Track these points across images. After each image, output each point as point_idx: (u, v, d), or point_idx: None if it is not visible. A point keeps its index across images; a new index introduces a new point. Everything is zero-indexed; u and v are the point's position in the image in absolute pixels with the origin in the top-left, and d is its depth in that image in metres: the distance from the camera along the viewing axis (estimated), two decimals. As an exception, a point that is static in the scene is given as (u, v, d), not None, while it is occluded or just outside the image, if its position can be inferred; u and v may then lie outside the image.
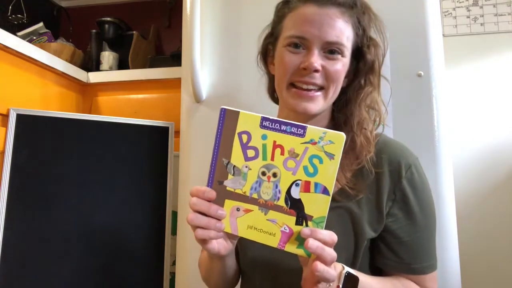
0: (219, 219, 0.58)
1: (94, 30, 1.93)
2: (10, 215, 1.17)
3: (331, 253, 0.54)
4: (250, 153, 0.57)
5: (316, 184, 0.55)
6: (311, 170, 0.55)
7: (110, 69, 1.82)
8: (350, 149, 0.71)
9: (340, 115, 0.74)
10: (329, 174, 0.55)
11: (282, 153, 0.56)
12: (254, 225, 0.58)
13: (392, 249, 0.71)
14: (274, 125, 0.55)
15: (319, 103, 0.69)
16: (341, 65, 0.69)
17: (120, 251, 1.28)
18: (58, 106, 1.51)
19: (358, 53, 0.72)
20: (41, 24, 1.82)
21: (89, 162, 1.29)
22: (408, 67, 1.05)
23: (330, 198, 0.55)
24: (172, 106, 1.33)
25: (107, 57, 1.83)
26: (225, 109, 0.57)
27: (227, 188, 0.58)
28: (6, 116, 1.23)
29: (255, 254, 0.76)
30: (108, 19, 1.87)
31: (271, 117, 0.56)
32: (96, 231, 1.26)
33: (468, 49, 1.63)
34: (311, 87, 0.69)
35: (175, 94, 1.27)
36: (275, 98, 0.84)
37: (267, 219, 0.57)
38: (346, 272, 0.60)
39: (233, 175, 0.58)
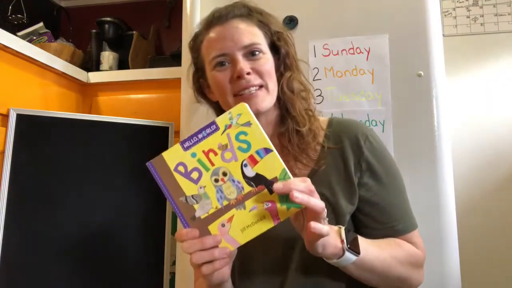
0: (217, 246, 0.59)
1: (94, 30, 1.93)
2: (10, 215, 1.17)
3: (317, 198, 0.58)
4: (194, 175, 0.59)
5: (257, 152, 0.58)
6: (244, 146, 0.59)
7: (110, 69, 1.82)
8: (302, 132, 0.76)
9: (281, 105, 0.79)
10: (259, 137, 0.58)
11: (215, 154, 0.59)
12: (244, 224, 0.59)
13: (372, 217, 0.75)
14: (193, 140, 0.59)
15: (265, 98, 0.74)
16: (266, 60, 0.76)
17: (120, 251, 1.28)
18: (58, 106, 1.51)
19: (274, 48, 0.79)
20: (41, 24, 1.82)
21: (89, 162, 1.29)
22: (408, 67, 1.05)
23: (275, 152, 0.59)
24: (172, 106, 1.33)
25: (107, 57, 1.83)
26: (150, 162, 0.60)
27: (202, 217, 0.60)
28: (6, 116, 1.23)
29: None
30: (108, 19, 1.87)
31: (186, 137, 0.60)
32: (96, 231, 1.26)
33: (468, 49, 1.63)
34: (252, 89, 0.73)
35: (175, 94, 1.27)
36: None
37: (249, 211, 0.59)
38: (345, 228, 0.65)
39: (197, 203, 0.60)
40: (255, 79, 0.73)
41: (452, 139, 1.11)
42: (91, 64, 1.89)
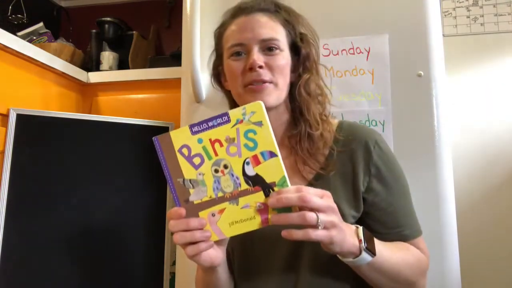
0: (201, 229, 0.60)
1: (94, 30, 1.93)
2: (10, 215, 1.17)
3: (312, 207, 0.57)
4: (196, 160, 0.60)
5: (262, 153, 0.58)
6: (251, 144, 0.58)
7: (110, 69, 1.82)
8: (314, 136, 0.77)
9: (295, 107, 0.79)
10: (267, 139, 0.58)
11: (221, 145, 0.59)
12: (234, 219, 0.60)
13: (380, 221, 0.76)
14: (202, 126, 0.59)
15: (273, 94, 0.74)
16: (282, 57, 0.76)
17: (120, 251, 1.28)
18: (58, 106, 1.51)
19: (295, 49, 0.79)
20: (41, 24, 1.82)
21: (89, 162, 1.29)
22: (408, 67, 1.05)
23: (279, 158, 0.58)
24: (172, 106, 1.33)
25: (107, 57, 1.83)
26: (156, 138, 0.61)
27: (195, 203, 0.60)
28: (6, 116, 1.23)
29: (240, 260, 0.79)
30: (108, 19, 1.87)
31: (197, 122, 0.59)
32: (96, 231, 1.26)
33: (468, 49, 1.63)
34: (261, 83, 0.74)
35: (175, 94, 1.27)
36: None
37: (241, 208, 0.59)
38: (362, 228, 0.65)
39: (193, 188, 0.60)
40: (265, 74, 0.74)
41: (452, 139, 1.11)
42: (91, 64, 1.89)
